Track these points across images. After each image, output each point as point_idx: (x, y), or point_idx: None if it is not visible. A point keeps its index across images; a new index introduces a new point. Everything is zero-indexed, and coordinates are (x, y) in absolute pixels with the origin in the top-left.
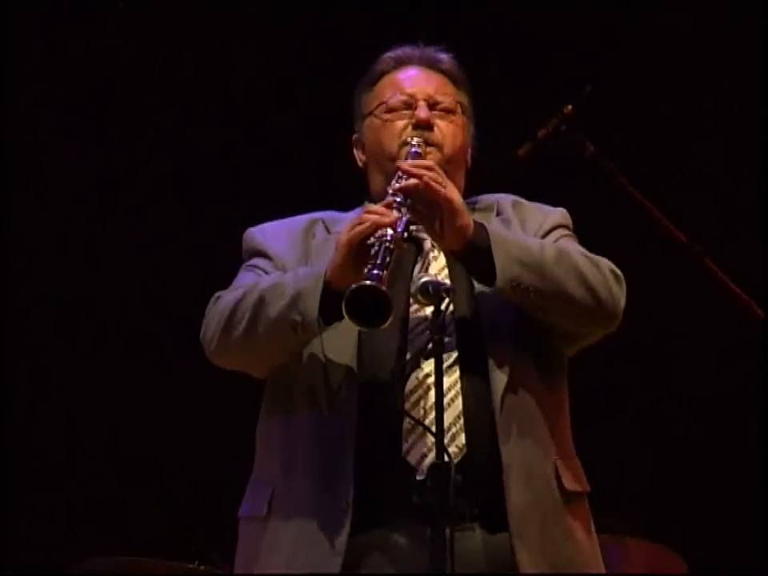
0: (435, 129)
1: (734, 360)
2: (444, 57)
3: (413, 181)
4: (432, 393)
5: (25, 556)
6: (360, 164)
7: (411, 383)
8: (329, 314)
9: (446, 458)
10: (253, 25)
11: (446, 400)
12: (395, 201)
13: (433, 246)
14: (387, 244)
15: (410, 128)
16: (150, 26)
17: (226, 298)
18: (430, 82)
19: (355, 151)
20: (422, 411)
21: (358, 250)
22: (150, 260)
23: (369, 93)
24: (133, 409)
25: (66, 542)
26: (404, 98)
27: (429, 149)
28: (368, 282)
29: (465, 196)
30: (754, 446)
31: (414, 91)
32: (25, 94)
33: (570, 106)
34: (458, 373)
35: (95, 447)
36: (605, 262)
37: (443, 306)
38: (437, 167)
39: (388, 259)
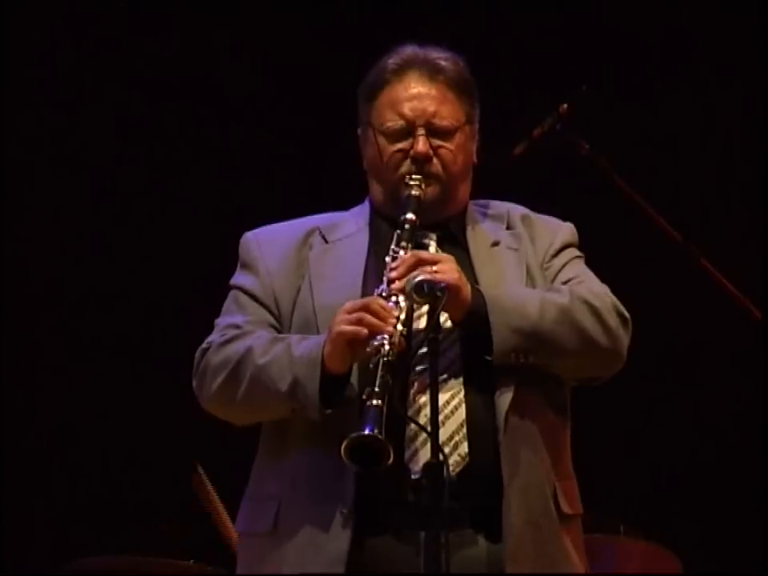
0: (434, 160)
1: (731, 360)
2: (446, 63)
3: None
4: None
5: (23, 555)
6: (364, 164)
7: (413, 390)
8: (327, 395)
9: (441, 458)
10: (248, 27)
11: (449, 408)
12: (393, 294)
13: (437, 250)
14: (385, 359)
15: (408, 161)
16: (148, 29)
17: (218, 358)
18: (431, 98)
19: (361, 148)
20: (424, 419)
21: (352, 344)
22: (149, 263)
23: (370, 103)
24: (131, 409)
25: (64, 541)
26: (403, 122)
27: (428, 181)
28: (366, 433)
29: (471, 197)
30: (750, 445)
31: (414, 116)
32: (25, 94)
33: (565, 105)
34: (461, 382)
35: (93, 447)
36: (609, 306)
37: (438, 305)
38: (425, 255)
39: (388, 377)
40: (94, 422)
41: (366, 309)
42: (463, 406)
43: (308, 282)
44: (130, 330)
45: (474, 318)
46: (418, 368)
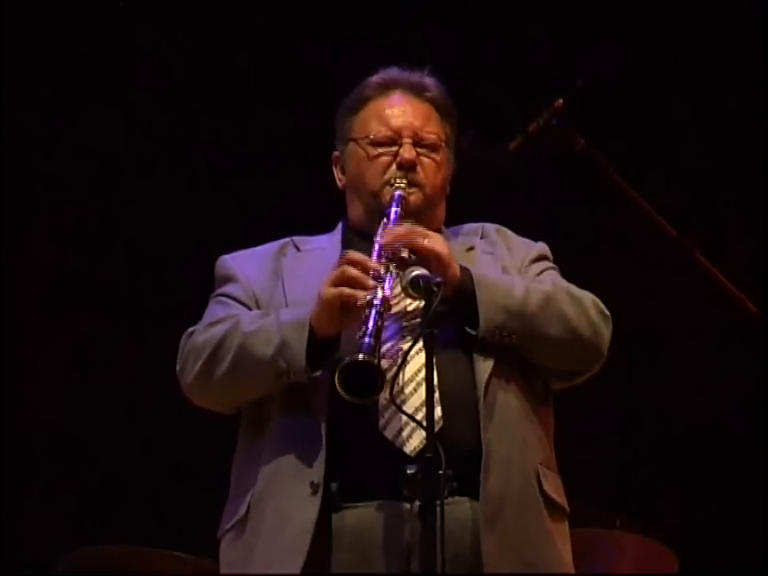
0: (418, 168)
1: (726, 355)
2: (430, 83)
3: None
4: (407, 369)
5: (20, 548)
6: (339, 185)
7: (387, 362)
8: (315, 360)
9: (436, 452)
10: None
11: (420, 375)
12: (382, 257)
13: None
14: (377, 308)
15: (393, 166)
16: (147, 32)
17: (204, 336)
18: (416, 114)
19: (335, 170)
20: (397, 387)
21: (340, 307)
22: (147, 265)
23: (353, 117)
24: (129, 403)
25: (61, 533)
26: (390, 133)
27: (411, 189)
28: (360, 358)
29: (446, 223)
30: (748, 441)
31: (400, 127)
32: (24, 95)
33: (560, 100)
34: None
35: (91, 441)
36: (591, 302)
37: (434, 301)
38: (417, 228)
39: (380, 323)
40: (96, 414)
41: (346, 262)
42: (434, 372)
43: (281, 282)
44: (130, 321)
45: (461, 294)
46: (390, 342)
